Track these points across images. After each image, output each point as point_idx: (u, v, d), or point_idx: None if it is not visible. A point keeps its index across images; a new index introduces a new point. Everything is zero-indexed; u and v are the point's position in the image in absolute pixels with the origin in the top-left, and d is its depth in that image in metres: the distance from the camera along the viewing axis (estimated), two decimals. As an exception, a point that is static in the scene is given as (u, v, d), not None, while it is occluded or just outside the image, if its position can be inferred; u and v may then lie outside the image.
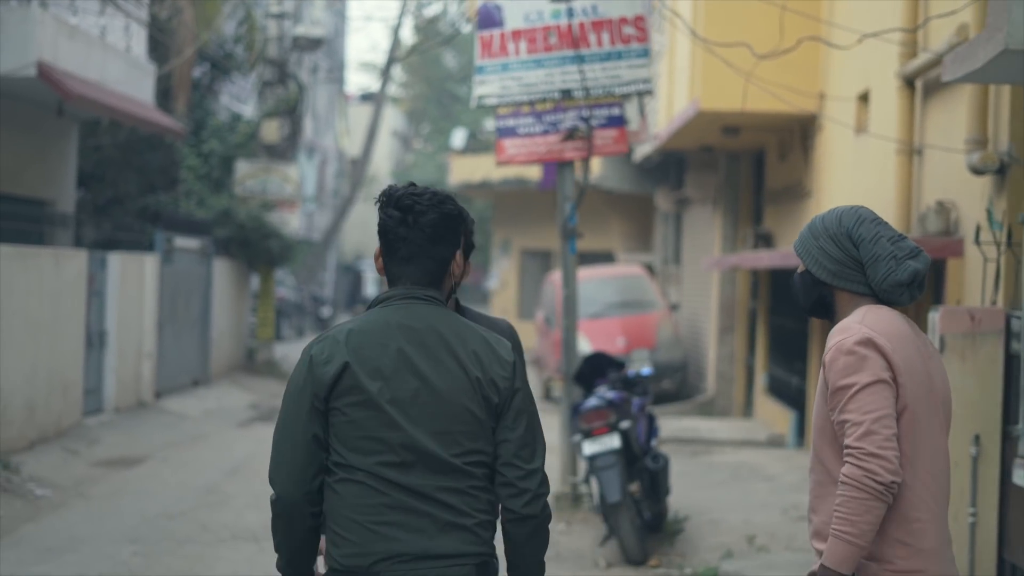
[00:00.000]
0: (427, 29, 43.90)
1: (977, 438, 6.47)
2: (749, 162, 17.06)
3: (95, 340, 14.72)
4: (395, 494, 3.25)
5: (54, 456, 12.14)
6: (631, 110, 10.73)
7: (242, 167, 21.81)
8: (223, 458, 13.24)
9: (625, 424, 8.83)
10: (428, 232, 3.36)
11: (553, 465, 8.63)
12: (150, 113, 15.72)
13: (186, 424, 15.68)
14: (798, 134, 13.89)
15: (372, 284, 42.10)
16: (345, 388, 3.27)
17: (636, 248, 25.71)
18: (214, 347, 19.94)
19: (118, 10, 15.42)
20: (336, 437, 3.29)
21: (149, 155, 18.79)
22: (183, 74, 19.26)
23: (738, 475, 12.27)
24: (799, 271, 3.71)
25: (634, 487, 8.64)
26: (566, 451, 10.60)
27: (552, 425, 10.75)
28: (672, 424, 15.08)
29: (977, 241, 7.20)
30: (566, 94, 10.63)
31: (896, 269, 3.53)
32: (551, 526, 3.57)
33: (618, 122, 10.66)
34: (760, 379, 15.94)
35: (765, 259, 13.32)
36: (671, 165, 20.17)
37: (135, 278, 16.09)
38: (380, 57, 48.89)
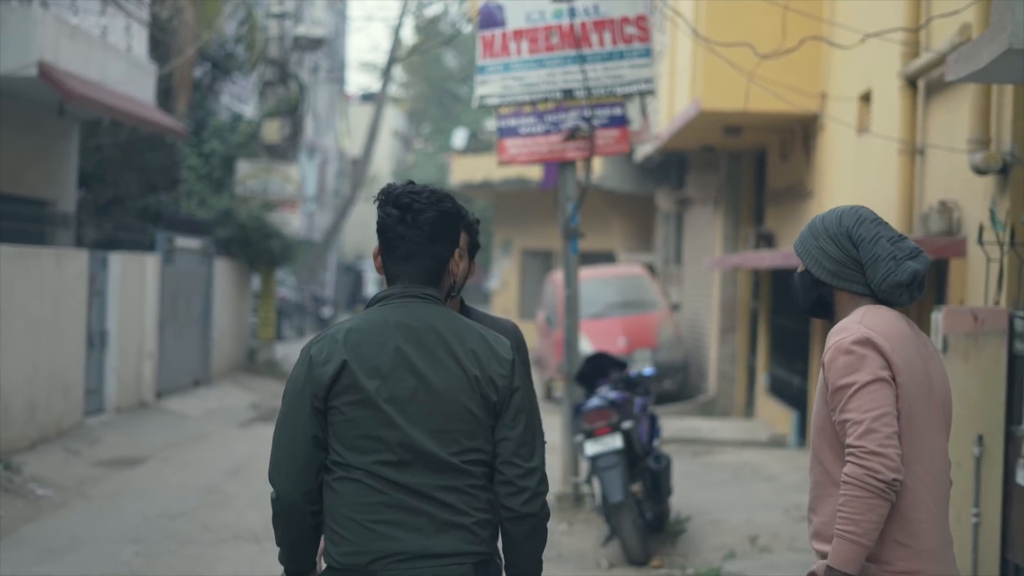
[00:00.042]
0: (428, 29, 43.91)
1: (980, 438, 6.46)
2: (750, 162, 17.05)
3: (96, 340, 14.71)
4: (393, 493, 3.25)
5: (55, 456, 12.13)
6: (633, 110, 10.71)
7: (243, 167, 21.81)
8: (224, 458, 13.24)
9: (627, 424, 8.81)
10: (427, 230, 3.36)
11: (555, 465, 8.63)
12: (151, 113, 15.71)
13: (187, 424, 15.67)
14: (800, 134, 13.87)
15: (373, 284, 42.06)
16: (343, 387, 3.27)
17: (637, 248, 25.69)
18: (215, 347, 19.93)
19: (119, 10, 15.41)
20: (335, 436, 3.28)
21: (150, 155, 18.78)
22: (184, 74, 19.26)
23: (740, 475, 12.26)
24: (799, 271, 3.70)
25: (636, 487, 8.62)
26: (568, 451, 10.59)
27: (554, 425, 10.73)
28: (673, 424, 15.06)
29: (980, 241, 7.19)
30: (568, 94, 10.62)
31: (896, 270, 3.53)
32: (553, 526, 3.56)
33: (620, 122, 10.65)
34: (761, 379, 15.93)
35: (766, 259, 13.31)
36: (672, 165, 20.15)
37: (136, 278, 16.08)
38: (381, 57, 48.84)
